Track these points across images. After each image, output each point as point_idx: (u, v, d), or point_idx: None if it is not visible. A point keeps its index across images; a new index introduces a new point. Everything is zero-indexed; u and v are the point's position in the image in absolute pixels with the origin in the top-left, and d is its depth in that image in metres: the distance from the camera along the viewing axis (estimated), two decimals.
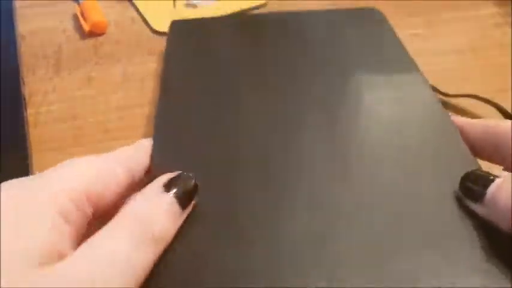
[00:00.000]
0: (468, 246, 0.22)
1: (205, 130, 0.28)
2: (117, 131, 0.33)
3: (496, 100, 0.33)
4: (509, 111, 0.32)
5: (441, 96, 0.34)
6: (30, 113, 0.34)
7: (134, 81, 0.36)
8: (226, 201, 0.24)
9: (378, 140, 0.28)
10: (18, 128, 0.31)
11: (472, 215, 0.23)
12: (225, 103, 0.30)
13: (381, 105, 0.30)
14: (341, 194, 0.25)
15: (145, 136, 0.32)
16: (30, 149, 0.30)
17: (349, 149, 0.27)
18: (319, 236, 0.23)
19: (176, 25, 0.37)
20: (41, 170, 0.30)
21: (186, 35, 0.36)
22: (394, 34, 0.36)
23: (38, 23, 0.42)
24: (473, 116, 0.33)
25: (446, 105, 0.33)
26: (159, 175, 0.23)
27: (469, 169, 0.24)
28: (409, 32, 0.39)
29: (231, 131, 0.28)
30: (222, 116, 0.29)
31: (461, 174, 0.24)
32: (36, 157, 0.31)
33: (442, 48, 0.38)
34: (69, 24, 0.42)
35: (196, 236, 0.22)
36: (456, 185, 0.24)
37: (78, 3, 0.43)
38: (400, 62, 0.33)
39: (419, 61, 0.34)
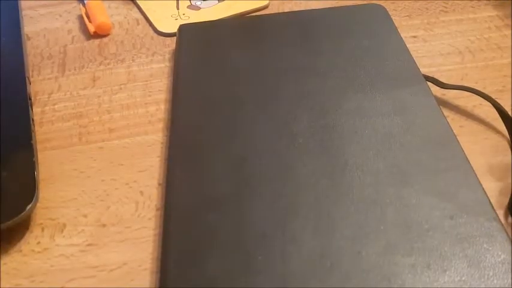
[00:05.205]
0: None
1: (219, 134, 0.29)
2: (121, 130, 0.33)
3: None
4: (509, 112, 0.33)
5: (437, 89, 0.34)
6: (36, 112, 0.35)
7: (138, 81, 0.37)
8: (236, 219, 0.25)
9: (381, 151, 0.28)
10: (24, 126, 0.32)
11: None
12: (237, 105, 0.31)
13: (385, 114, 0.30)
14: (347, 215, 0.25)
15: (149, 135, 0.33)
16: (36, 147, 0.31)
17: (354, 161, 0.28)
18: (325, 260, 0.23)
19: (184, 28, 0.38)
20: (46, 168, 0.31)
21: (195, 38, 0.37)
22: (396, 31, 0.36)
23: (43, 23, 0.43)
24: (470, 114, 0.33)
25: (444, 103, 0.34)
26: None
27: None
28: (408, 34, 0.40)
29: (242, 137, 0.29)
30: (234, 119, 0.30)
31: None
32: (41, 155, 0.32)
33: (441, 51, 0.38)
34: (75, 25, 0.42)
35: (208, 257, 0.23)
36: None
37: (83, 4, 0.43)
38: (402, 60, 0.34)
39: (418, 63, 0.35)
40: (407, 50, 0.35)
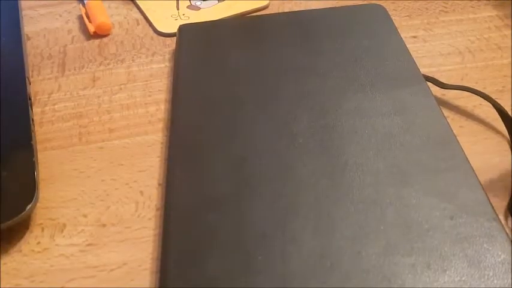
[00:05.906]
0: None
1: (219, 134, 0.29)
2: (121, 130, 0.33)
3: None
4: (509, 112, 0.33)
5: (437, 89, 0.34)
6: (36, 112, 0.35)
7: (138, 81, 0.37)
8: (236, 219, 0.25)
9: (382, 151, 0.28)
10: (24, 126, 0.32)
11: None
12: (237, 105, 0.31)
13: (385, 114, 0.30)
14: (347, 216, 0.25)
15: (149, 135, 0.33)
16: (36, 147, 0.31)
17: (354, 161, 0.28)
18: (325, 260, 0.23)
19: (184, 28, 0.38)
20: (46, 168, 0.31)
21: (195, 38, 0.37)
22: (396, 31, 0.36)
23: (43, 23, 0.43)
24: (470, 114, 0.33)
25: (444, 103, 0.34)
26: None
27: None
28: (408, 34, 0.40)
29: (242, 137, 0.29)
30: (234, 119, 0.30)
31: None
32: (41, 155, 0.32)
33: (441, 51, 0.38)
34: (75, 25, 0.42)
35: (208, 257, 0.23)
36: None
37: (83, 4, 0.43)
38: (402, 60, 0.34)
39: (418, 63, 0.35)
40: (407, 50, 0.35)
